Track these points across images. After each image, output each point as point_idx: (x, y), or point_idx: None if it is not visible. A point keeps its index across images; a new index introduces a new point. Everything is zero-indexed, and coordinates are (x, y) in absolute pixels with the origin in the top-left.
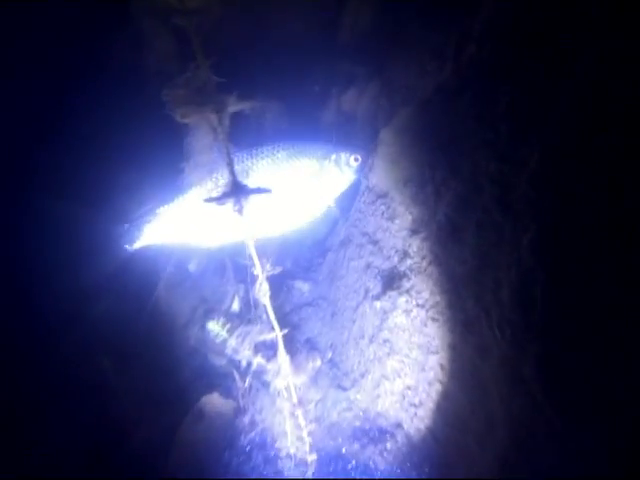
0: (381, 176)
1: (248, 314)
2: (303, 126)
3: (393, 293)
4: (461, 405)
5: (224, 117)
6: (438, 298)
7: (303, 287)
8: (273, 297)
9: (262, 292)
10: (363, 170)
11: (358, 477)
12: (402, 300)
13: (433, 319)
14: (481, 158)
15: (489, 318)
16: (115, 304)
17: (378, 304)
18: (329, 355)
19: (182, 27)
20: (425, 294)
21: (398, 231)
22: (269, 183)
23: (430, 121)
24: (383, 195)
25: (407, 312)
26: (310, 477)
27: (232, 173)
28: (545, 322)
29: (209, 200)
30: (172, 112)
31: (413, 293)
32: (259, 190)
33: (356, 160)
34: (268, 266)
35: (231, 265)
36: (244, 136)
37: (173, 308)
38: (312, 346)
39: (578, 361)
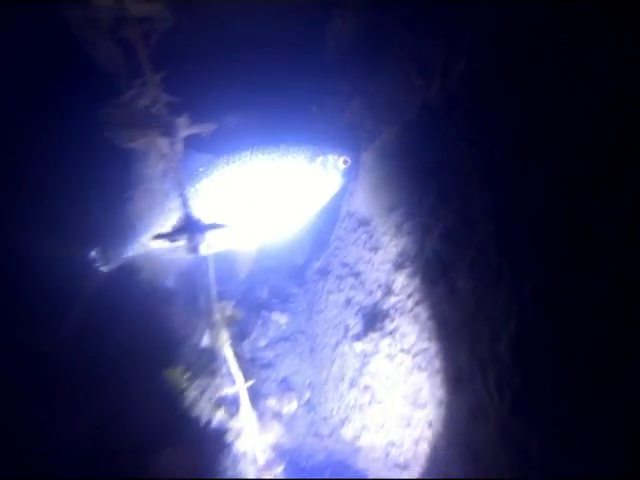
0: (363, 202)
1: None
2: (287, 129)
3: (375, 335)
4: (452, 473)
5: (175, 142)
6: (426, 344)
7: (280, 319)
8: (247, 330)
9: (221, 341)
10: (351, 174)
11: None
12: (385, 343)
13: (420, 368)
14: (474, 188)
15: (485, 376)
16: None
17: (359, 346)
18: (307, 396)
19: (127, 38)
20: (411, 338)
21: (381, 264)
22: (250, 189)
23: (417, 143)
24: (365, 223)
25: (390, 357)
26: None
27: (185, 206)
28: (552, 389)
29: (159, 237)
30: (113, 135)
31: (397, 336)
32: (216, 226)
33: (345, 163)
34: (229, 309)
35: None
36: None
37: (136, 341)
38: (288, 386)
39: (593, 436)
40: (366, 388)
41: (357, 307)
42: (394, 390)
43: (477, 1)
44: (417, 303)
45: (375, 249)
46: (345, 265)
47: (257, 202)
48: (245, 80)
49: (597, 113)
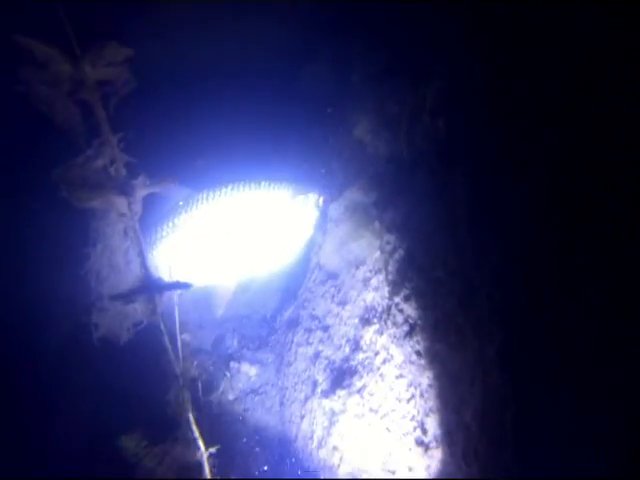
0: (330, 255)
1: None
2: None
3: (343, 392)
4: None
5: (133, 201)
6: (393, 406)
7: (250, 371)
8: (216, 382)
9: (182, 404)
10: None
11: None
12: (353, 401)
13: (388, 430)
14: (439, 247)
15: (453, 444)
16: None
17: (327, 403)
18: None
19: (85, 100)
20: (378, 398)
21: (349, 318)
22: (230, 224)
23: (383, 198)
24: (334, 276)
25: (359, 417)
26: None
27: (144, 266)
28: (518, 457)
29: (115, 298)
30: (68, 195)
31: (365, 395)
32: (177, 285)
33: (325, 202)
34: (193, 369)
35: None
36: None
37: (93, 404)
38: (256, 443)
39: None
40: (334, 449)
41: (326, 362)
42: (363, 452)
43: (441, 57)
44: (384, 362)
45: (343, 303)
46: (314, 318)
47: (237, 238)
48: (213, 128)
49: (555, 169)
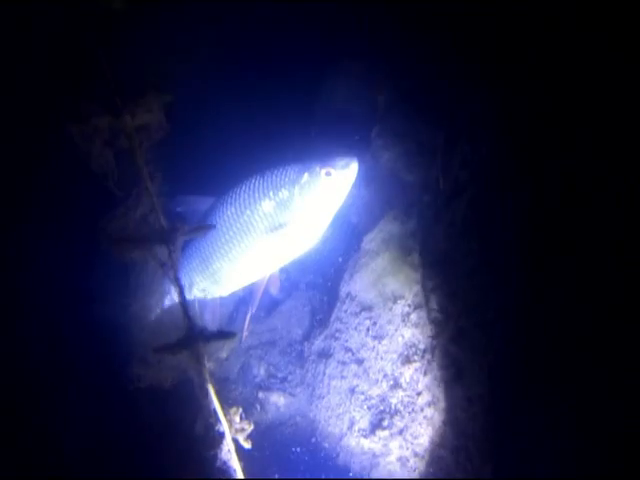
0: (365, 288)
1: None
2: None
3: (384, 433)
4: None
5: (174, 250)
6: (442, 452)
7: (279, 401)
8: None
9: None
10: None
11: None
12: (395, 445)
13: (435, 476)
14: (485, 285)
15: None
16: None
17: (366, 443)
18: None
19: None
20: (423, 441)
21: (387, 353)
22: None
23: (421, 230)
24: (368, 308)
25: (402, 461)
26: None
27: (187, 317)
28: None
29: (159, 350)
30: (109, 248)
31: (408, 437)
32: (223, 334)
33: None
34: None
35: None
36: None
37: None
38: None
39: None
40: None
41: (362, 397)
42: None
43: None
44: (429, 404)
45: (379, 337)
46: (347, 350)
47: (267, 234)
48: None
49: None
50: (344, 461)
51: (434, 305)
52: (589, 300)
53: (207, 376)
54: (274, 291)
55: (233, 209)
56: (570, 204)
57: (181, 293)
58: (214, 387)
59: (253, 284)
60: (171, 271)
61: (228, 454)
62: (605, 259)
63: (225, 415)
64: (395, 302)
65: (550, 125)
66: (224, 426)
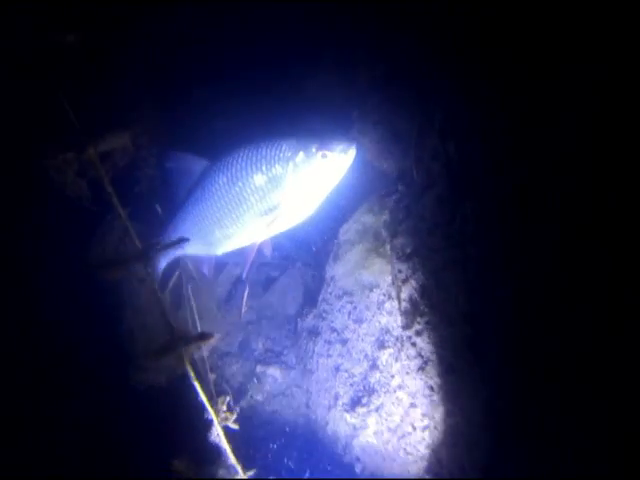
0: (344, 276)
1: None
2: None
3: (362, 410)
4: None
5: (151, 268)
6: (409, 429)
7: (276, 373)
8: (245, 386)
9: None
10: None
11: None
12: (372, 420)
13: (406, 451)
14: (450, 282)
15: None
16: None
17: (348, 417)
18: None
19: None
20: (396, 418)
21: (366, 336)
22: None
23: (393, 222)
24: (349, 293)
25: (378, 434)
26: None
27: (168, 325)
28: None
29: (147, 356)
30: (96, 273)
31: (383, 414)
32: (202, 337)
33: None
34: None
35: None
36: None
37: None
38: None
39: None
40: (357, 460)
41: (345, 375)
42: (382, 465)
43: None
44: (399, 387)
45: (359, 321)
46: (333, 330)
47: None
48: None
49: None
50: (332, 429)
51: (405, 297)
52: (543, 296)
53: (192, 374)
54: (267, 252)
55: (225, 179)
56: (530, 205)
57: (160, 305)
58: (201, 382)
59: (245, 248)
60: (151, 286)
61: (217, 437)
62: (559, 254)
63: (212, 405)
64: (371, 290)
65: (521, 127)
66: (212, 415)
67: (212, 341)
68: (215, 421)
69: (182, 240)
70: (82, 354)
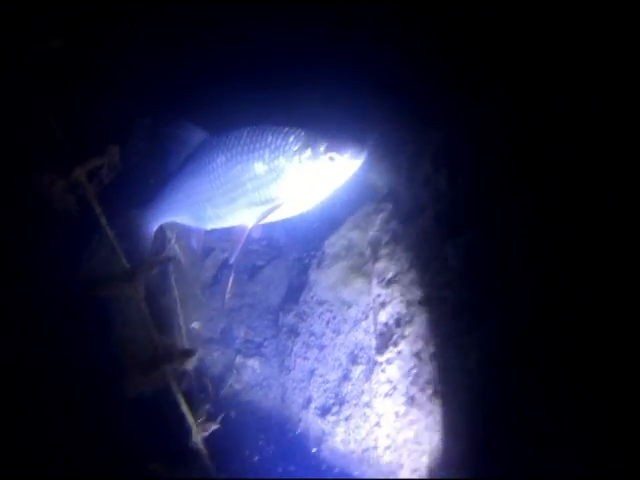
0: (325, 288)
1: None
2: None
3: (332, 418)
4: None
5: (138, 284)
6: (372, 444)
7: (255, 364)
8: (225, 375)
9: (197, 436)
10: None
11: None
12: (340, 430)
13: (369, 464)
14: (427, 319)
15: None
16: None
17: (319, 421)
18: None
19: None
20: (362, 432)
21: (342, 346)
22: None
23: (378, 244)
24: (330, 303)
25: (345, 443)
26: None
27: (153, 341)
28: None
29: (135, 369)
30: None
31: (351, 425)
32: (185, 353)
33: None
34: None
35: None
36: None
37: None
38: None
39: None
40: (324, 460)
41: (320, 380)
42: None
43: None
44: (367, 405)
45: (337, 332)
46: (312, 334)
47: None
48: None
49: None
50: (304, 428)
51: (381, 321)
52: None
53: (175, 388)
54: (256, 235)
55: (224, 158)
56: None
57: (147, 321)
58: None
59: (235, 230)
60: (139, 303)
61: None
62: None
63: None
64: (350, 307)
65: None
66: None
67: (194, 359)
68: (194, 430)
69: (169, 259)
70: (71, 364)
